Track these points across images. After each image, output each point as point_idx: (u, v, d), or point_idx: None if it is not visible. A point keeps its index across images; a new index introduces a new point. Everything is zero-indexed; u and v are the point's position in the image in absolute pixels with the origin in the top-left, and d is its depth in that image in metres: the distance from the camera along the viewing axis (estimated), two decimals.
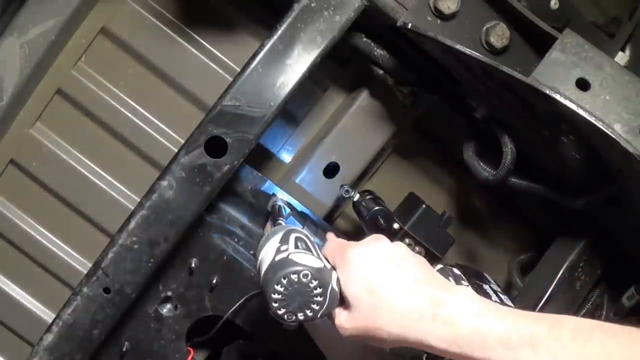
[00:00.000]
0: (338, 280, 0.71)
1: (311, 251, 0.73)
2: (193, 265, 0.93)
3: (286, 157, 1.16)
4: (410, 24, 0.84)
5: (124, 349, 0.94)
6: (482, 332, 0.63)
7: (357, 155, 1.11)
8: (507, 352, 0.62)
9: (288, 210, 0.97)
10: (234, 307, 0.94)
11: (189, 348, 0.97)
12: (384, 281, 0.70)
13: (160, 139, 1.10)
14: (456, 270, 0.87)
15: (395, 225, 0.98)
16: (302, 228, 0.86)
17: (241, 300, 0.95)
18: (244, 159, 0.86)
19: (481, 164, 0.97)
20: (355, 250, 0.73)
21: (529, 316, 0.64)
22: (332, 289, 0.70)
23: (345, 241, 0.76)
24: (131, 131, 1.09)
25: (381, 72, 1.01)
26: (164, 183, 0.86)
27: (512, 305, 0.85)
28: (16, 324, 1.15)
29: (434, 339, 0.65)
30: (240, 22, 1.08)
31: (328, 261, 0.74)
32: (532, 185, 0.97)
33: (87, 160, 1.11)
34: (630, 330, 0.60)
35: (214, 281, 0.93)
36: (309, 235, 0.76)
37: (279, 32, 0.84)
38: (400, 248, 0.74)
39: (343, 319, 0.71)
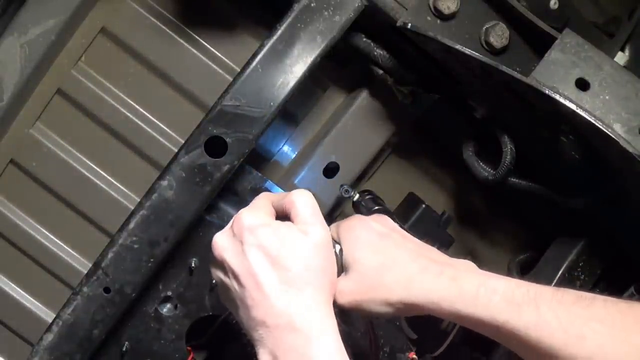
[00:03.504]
0: (341, 252, 0.71)
1: None
2: (193, 265, 0.93)
3: (286, 157, 1.16)
4: (410, 24, 0.84)
5: (124, 349, 0.95)
6: (487, 289, 0.63)
7: (357, 155, 1.11)
8: (511, 308, 0.62)
9: None
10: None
11: (189, 348, 0.97)
12: (390, 244, 0.71)
13: (160, 139, 1.10)
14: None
15: None
16: None
17: None
18: (244, 159, 0.87)
19: (481, 163, 0.97)
20: (361, 220, 0.74)
21: (532, 283, 0.64)
22: (335, 254, 0.71)
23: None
24: (131, 131, 1.09)
25: (381, 72, 1.01)
26: (164, 183, 0.86)
27: None
28: (16, 324, 1.15)
29: (439, 296, 0.65)
30: (240, 22, 1.08)
31: (333, 238, 0.74)
32: (532, 185, 0.97)
33: (87, 160, 1.11)
34: (629, 301, 0.62)
35: (214, 281, 0.93)
36: None
37: (279, 32, 0.85)
38: (402, 229, 0.76)
39: (343, 283, 0.70)
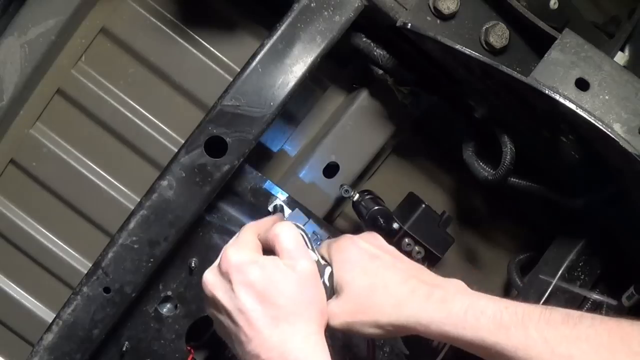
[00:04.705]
0: (331, 275, 0.72)
1: (306, 245, 0.74)
2: (193, 265, 0.93)
3: (286, 156, 1.16)
4: (410, 24, 0.84)
5: (124, 349, 0.95)
6: (475, 311, 0.64)
7: (357, 155, 1.11)
8: (499, 330, 0.62)
9: (289, 210, 0.98)
10: None
11: (188, 348, 0.98)
12: (380, 265, 0.72)
13: (160, 139, 1.10)
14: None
15: (395, 225, 0.98)
16: (307, 220, 0.92)
17: None
18: (244, 158, 0.87)
19: (480, 163, 0.97)
20: (350, 240, 0.75)
21: (520, 303, 0.65)
22: (324, 282, 0.71)
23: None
24: (131, 131, 1.09)
25: (381, 72, 1.01)
26: (164, 183, 0.86)
27: None
28: (16, 324, 1.15)
29: (428, 318, 0.66)
30: (240, 22, 1.08)
31: (324, 259, 0.74)
32: (532, 185, 0.97)
33: (87, 160, 1.11)
34: (618, 319, 0.62)
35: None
36: (306, 231, 0.77)
37: (279, 32, 0.85)
38: (394, 248, 0.76)
39: (334, 305, 0.71)
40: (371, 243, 0.75)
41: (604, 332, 0.60)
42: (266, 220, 0.82)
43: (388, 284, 0.69)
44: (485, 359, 0.66)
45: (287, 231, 0.72)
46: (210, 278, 0.72)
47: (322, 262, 0.74)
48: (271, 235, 0.73)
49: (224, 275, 0.70)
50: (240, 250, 0.71)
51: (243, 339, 0.67)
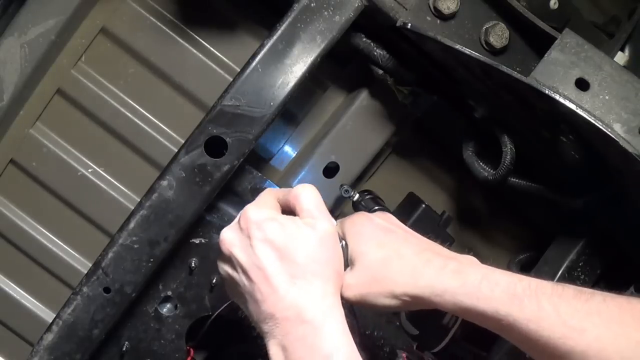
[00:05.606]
0: (346, 247, 0.72)
1: None
2: (193, 265, 0.93)
3: (286, 157, 1.16)
4: (410, 24, 0.84)
5: (124, 349, 0.95)
6: (489, 282, 0.65)
7: (357, 155, 1.11)
8: (512, 301, 0.63)
9: None
10: (224, 305, 0.93)
11: (188, 348, 0.98)
12: (394, 239, 0.72)
13: (160, 139, 1.10)
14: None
15: None
16: None
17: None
18: (244, 158, 0.87)
19: (481, 163, 0.97)
20: (365, 215, 0.75)
21: (532, 278, 0.65)
22: (342, 249, 0.71)
23: None
24: (131, 131, 1.09)
25: (381, 72, 1.01)
26: (164, 183, 0.86)
27: None
28: (16, 323, 1.15)
29: (443, 288, 0.66)
30: (240, 22, 1.08)
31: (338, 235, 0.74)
32: (532, 185, 0.97)
33: (87, 160, 1.11)
34: (628, 297, 0.63)
35: (214, 281, 0.93)
36: None
37: (279, 32, 0.85)
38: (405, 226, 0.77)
39: (349, 277, 0.71)
40: (384, 219, 0.76)
41: (614, 307, 0.61)
42: (285, 188, 0.83)
43: (403, 255, 0.69)
44: (496, 331, 0.66)
45: (308, 192, 0.72)
46: (229, 235, 0.71)
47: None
48: (291, 197, 0.72)
49: (243, 231, 0.69)
50: (260, 209, 0.71)
51: (258, 297, 0.66)
